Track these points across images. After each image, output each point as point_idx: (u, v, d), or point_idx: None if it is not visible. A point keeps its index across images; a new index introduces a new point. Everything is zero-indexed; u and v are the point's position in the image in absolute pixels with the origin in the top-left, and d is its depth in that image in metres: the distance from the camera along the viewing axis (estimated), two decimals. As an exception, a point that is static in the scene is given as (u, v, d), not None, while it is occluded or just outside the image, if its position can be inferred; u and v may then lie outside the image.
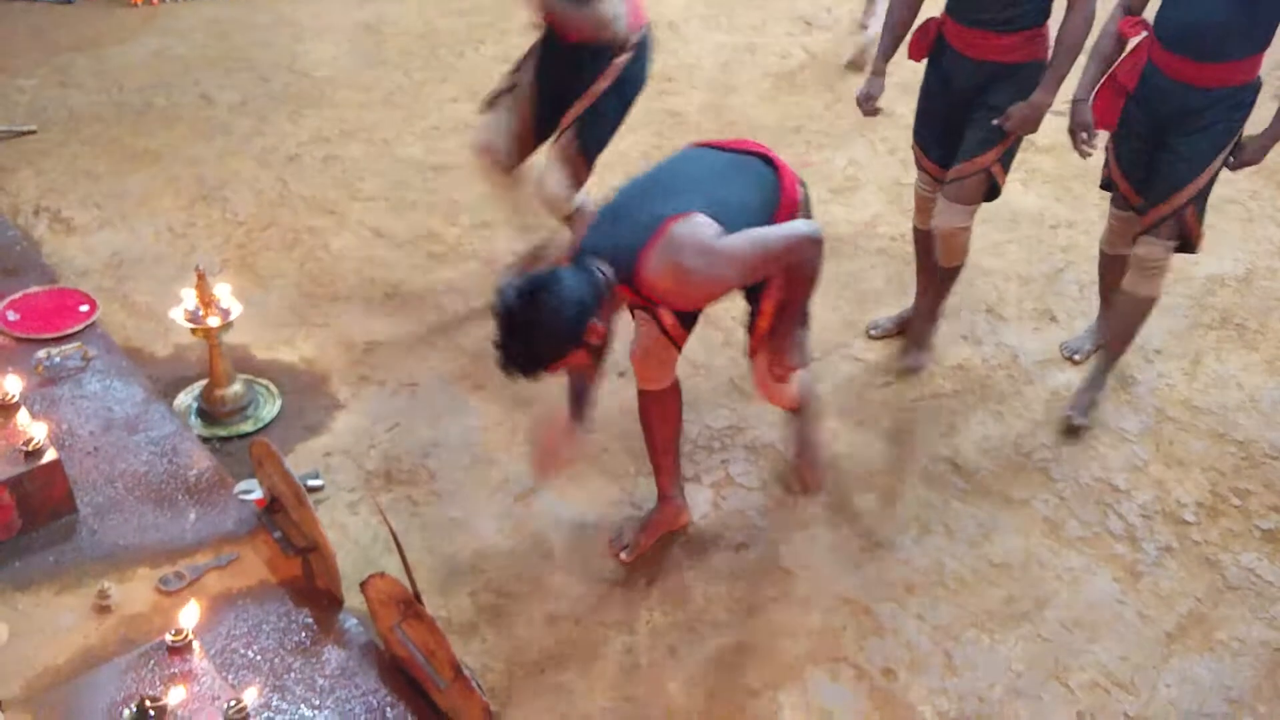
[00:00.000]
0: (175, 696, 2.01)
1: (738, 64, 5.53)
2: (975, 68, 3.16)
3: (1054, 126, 4.95)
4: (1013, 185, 4.49)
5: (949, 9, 3.18)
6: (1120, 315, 3.34)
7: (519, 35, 5.30)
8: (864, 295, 3.86)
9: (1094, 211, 4.35)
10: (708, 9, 6.08)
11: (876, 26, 5.25)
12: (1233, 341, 3.70)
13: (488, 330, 3.57)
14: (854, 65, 5.37)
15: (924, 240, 3.52)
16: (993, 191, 3.29)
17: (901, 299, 3.81)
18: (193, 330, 3.04)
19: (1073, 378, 3.49)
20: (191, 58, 5.33)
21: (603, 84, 3.22)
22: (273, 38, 5.57)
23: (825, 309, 3.77)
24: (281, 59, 5.33)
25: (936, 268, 3.47)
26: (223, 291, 3.06)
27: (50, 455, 2.53)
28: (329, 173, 4.45)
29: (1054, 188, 4.52)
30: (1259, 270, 4.04)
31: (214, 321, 3.02)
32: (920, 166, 3.46)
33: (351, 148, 4.60)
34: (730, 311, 3.74)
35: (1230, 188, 4.50)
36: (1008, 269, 4.01)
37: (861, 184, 4.53)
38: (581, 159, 3.33)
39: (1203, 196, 3.11)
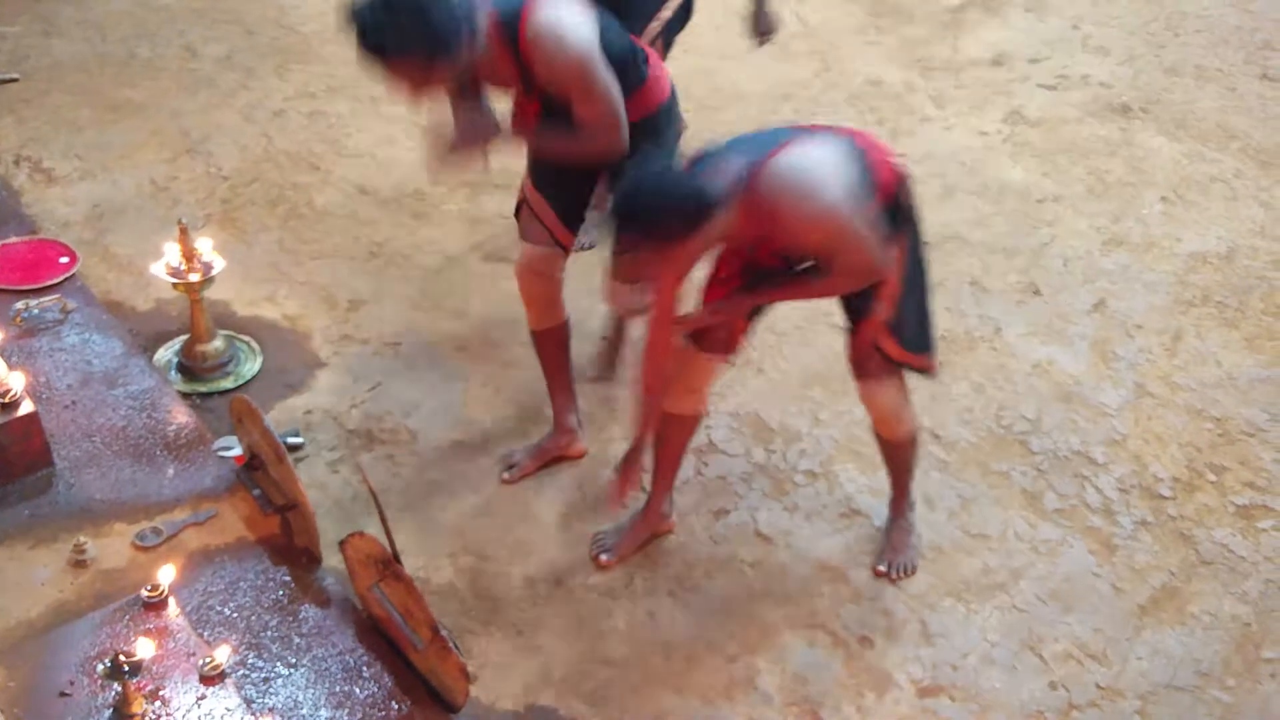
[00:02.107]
0: (150, 652, 2.01)
1: (730, 29, 5.48)
2: None
3: (1042, 101, 4.94)
4: (1000, 159, 4.49)
5: None
6: (888, 459, 2.83)
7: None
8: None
9: (1080, 186, 4.34)
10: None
11: None
12: (1213, 319, 3.71)
13: (473, 290, 3.59)
14: None
15: None
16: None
17: (887, 269, 3.81)
18: (174, 285, 3.01)
19: (1055, 352, 3.50)
20: (176, 9, 5.25)
21: None
22: (259, -10, 5.50)
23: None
24: (268, 12, 5.25)
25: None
26: (205, 246, 3.03)
27: (27, 407, 2.52)
28: (314, 128, 4.40)
29: (1041, 162, 4.51)
30: (1241, 249, 4.05)
31: (195, 277, 3.00)
32: None
33: (338, 104, 4.55)
34: (715, 278, 3.73)
35: (1215, 166, 4.51)
36: (992, 242, 4.01)
37: (850, 153, 4.50)
38: None
39: (903, 317, 2.54)
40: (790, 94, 4.89)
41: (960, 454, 3.14)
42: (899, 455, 2.79)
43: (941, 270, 3.82)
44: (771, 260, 2.45)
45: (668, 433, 2.73)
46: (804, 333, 3.52)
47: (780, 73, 5.08)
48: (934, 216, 4.10)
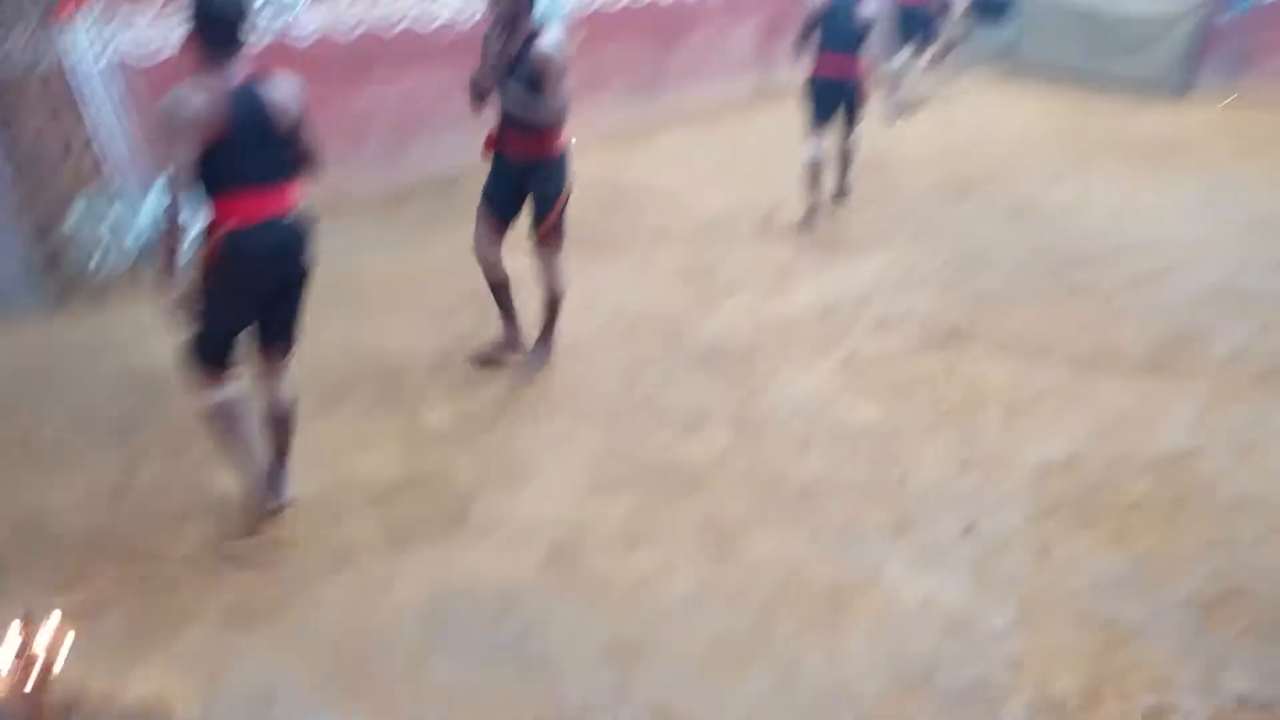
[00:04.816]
0: None
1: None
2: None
3: (874, 341, 5.19)
4: (847, 401, 4.64)
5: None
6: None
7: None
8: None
9: (923, 416, 4.52)
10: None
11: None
12: (1073, 522, 3.84)
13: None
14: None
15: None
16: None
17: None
18: None
19: (936, 584, 3.53)
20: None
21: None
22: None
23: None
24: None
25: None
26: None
27: None
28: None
29: (882, 399, 4.68)
30: (1080, 453, 4.25)
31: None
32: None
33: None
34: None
35: (1041, 379, 4.78)
36: (854, 484, 4.09)
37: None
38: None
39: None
40: (644, 364, 5.03)
41: (869, 709, 3.08)
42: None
43: (813, 522, 3.88)
44: None
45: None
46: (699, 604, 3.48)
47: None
48: (798, 470, 4.21)
